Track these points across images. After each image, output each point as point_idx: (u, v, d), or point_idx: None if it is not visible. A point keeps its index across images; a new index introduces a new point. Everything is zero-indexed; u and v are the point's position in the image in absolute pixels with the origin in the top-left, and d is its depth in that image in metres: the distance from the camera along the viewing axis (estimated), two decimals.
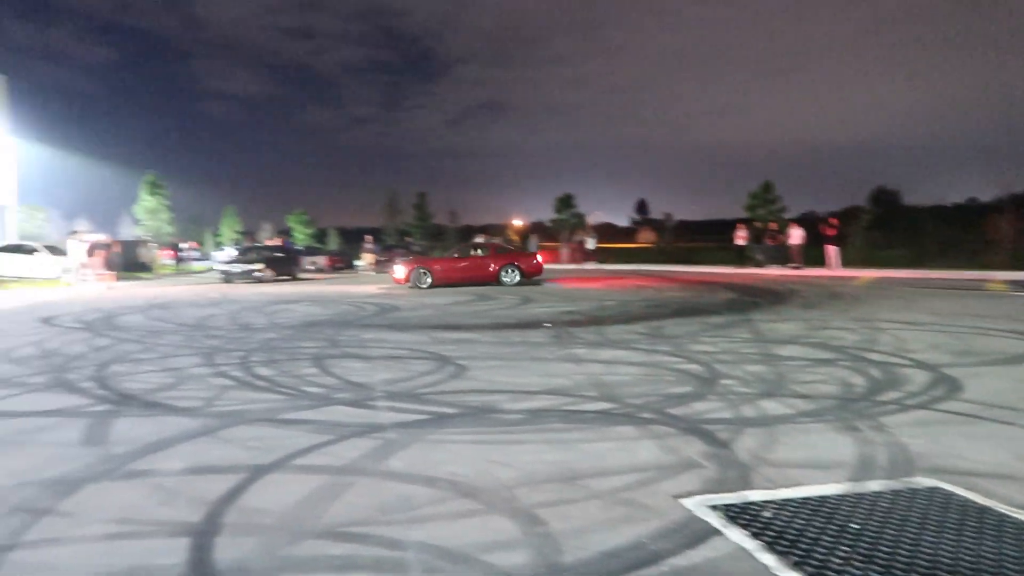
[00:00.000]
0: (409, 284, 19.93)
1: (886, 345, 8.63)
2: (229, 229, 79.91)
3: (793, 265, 26.40)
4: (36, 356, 8.70)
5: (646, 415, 5.53)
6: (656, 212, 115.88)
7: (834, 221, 26.15)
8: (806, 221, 34.77)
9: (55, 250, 26.50)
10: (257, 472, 4.24)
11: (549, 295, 17.21)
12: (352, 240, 62.31)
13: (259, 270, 25.87)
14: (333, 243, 67.17)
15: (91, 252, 23.62)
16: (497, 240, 34.13)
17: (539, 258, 21.79)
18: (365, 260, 33.69)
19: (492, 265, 20.63)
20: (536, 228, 58.01)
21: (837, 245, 25.12)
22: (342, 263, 37.23)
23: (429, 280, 20.04)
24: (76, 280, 22.49)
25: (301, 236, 64.38)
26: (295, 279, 27.14)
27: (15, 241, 31.13)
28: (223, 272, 26.58)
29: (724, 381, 6.74)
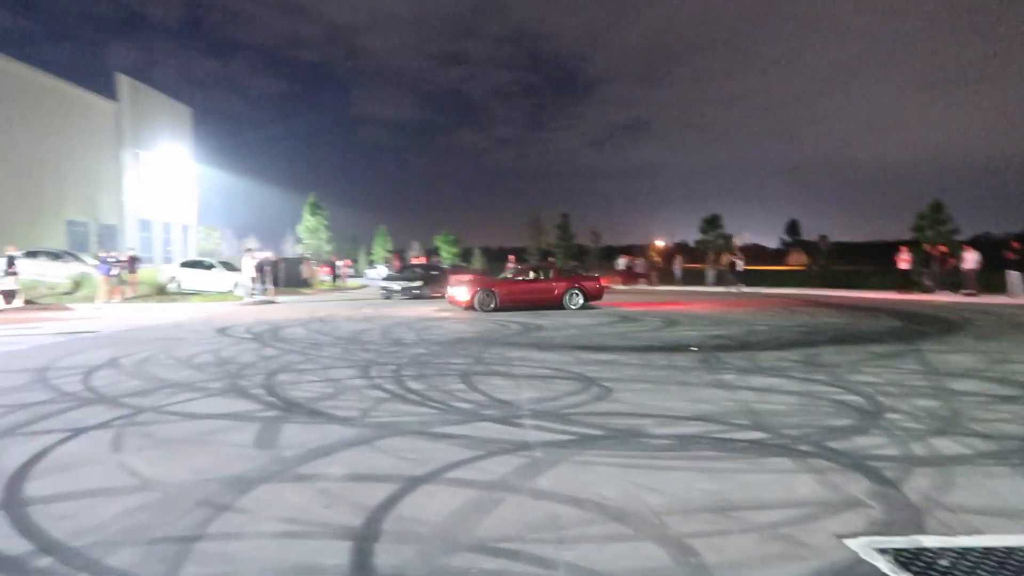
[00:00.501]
0: (473, 306, 18.99)
1: None
2: (381, 248, 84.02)
3: (966, 292, 24.25)
4: (213, 363, 9.50)
5: (803, 447, 5.26)
6: (809, 233, 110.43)
7: (1016, 245, 23.81)
8: (981, 244, 31.85)
9: (229, 266, 28.88)
10: (412, 483, 4.41)
11: (696, 319, 16.77)
12: (494, 260, 63.74)
13: (418, 288, 26.23)
14: (477, 262, 68.90)
15: (260, 268, 25.54)
16: (636, 260, 33.78)
17: (601, 282, 21.13)
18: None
19: (556, 288, 19.69)
20: (680, 249, 56.85)
21: (1020, 270, 22.85)
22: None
23: (494, 303, 19.07)
24: (246, 294, 24.39)
25: (447, 255, 66.55)
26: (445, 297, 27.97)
27: (194, 257, 34.35)
28: (383, 288, 27.25)
29: (890, 415, 6.29)
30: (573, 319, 16.63)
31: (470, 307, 19.05)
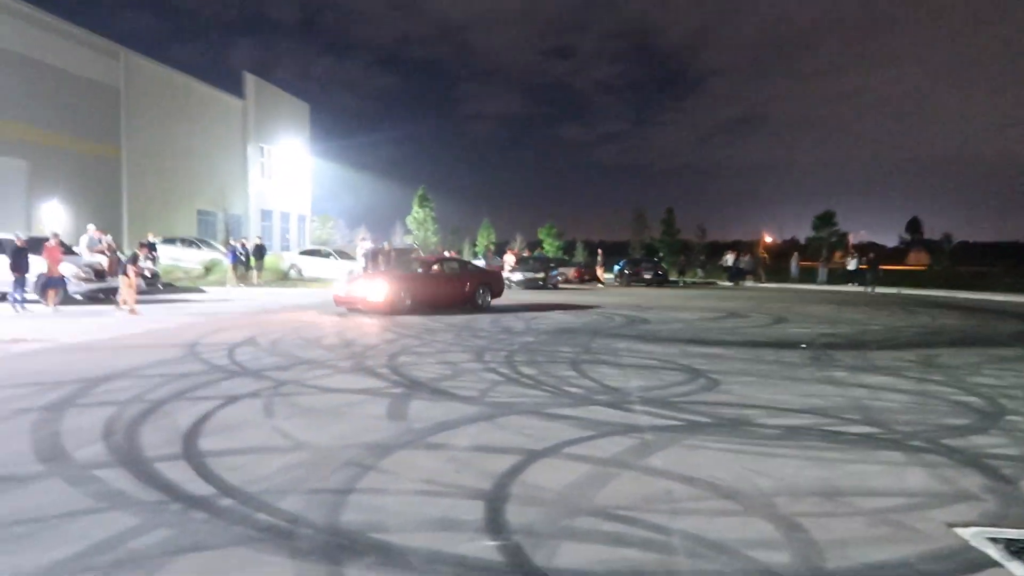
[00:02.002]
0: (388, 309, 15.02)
1: None
2: (484, 239, 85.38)
3: None
4: (339, 344, 10.22)
5: (916, 443, 5.29)
6: (931, 232, 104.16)
7: None
8: None
9: (343, 254, 30.30)
10: (532, 455, 4.78)
11: (807, 317, 16.46)
12: (595, 254, 63.48)
13: (541, 279, 28.17)
14: (579, 256, 69.00)
15: (373, 256, 26.69)
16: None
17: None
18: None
19: (467, 285, 16.96)
20: (791, 246, 55.04)
21: None
22: (588, 275, 38.30)
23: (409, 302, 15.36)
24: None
25: (550, 248, 66.96)
26: (555, 288, 28.79)
27: (310, 246, 36.20)
28: (506, 279, 28.05)
29: (1011, 417, 6.18)
30: (679, 314, 16.65)
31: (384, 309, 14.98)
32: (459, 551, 3.23)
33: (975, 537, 3.52)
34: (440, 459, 4.71)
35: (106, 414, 5.71)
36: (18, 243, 14.55)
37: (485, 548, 3.27)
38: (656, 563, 3.16)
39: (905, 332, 13.29)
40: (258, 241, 27.15)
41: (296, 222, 48.16)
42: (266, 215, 43.47)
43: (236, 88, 41.21)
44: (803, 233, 56.30)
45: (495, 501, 3.90)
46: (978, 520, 3.77)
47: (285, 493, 3.96)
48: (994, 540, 3.49)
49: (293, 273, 28.32)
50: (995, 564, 3.22)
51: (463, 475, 4.36)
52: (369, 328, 12.40)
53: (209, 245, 29.13)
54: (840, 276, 33.68)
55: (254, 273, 25.27)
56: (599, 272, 36.20)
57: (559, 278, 32.23)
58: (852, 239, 47.82)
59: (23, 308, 14.05)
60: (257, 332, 11.37)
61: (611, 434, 5.40)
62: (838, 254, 44.32)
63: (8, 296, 14.58)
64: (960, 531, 3.61)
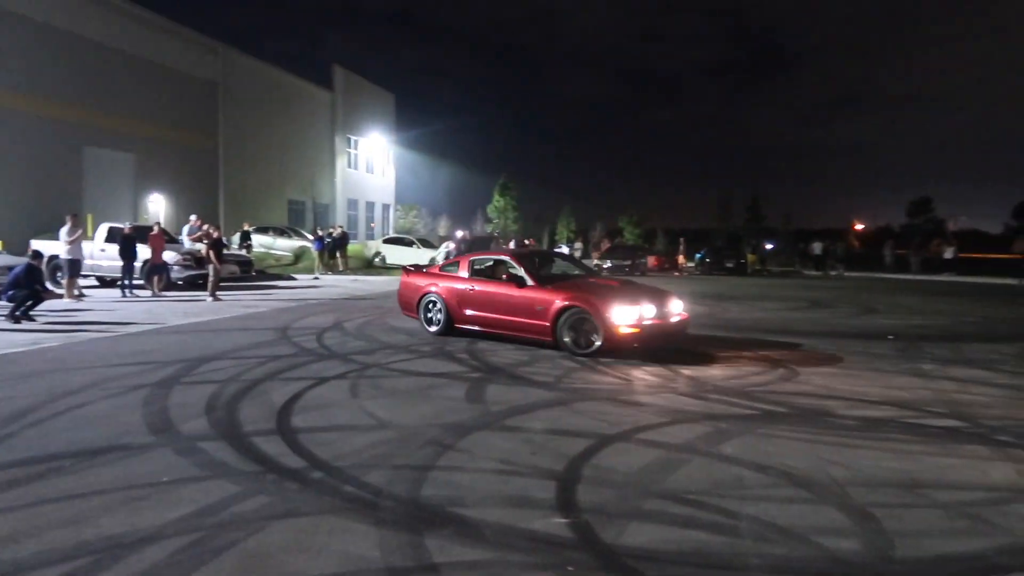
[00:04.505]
0: None
1: None
2: (565, 228, 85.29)
3: None
4: (420, 330, 10.54)
5: (1003, 438, 5.15)
6: None
7: None
8: None
9: (426, 243, 30.96)
10: (605, 440, 4.91)
11: (897, 307, 15.87)
12: (675, 242, 62.53)
13: (628, 266, 30.11)
14: (660, 244, 68.05)
15: (457, 246, 27.18)
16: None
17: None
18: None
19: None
20: (885, 233, 52.80)
21: None
22: (668, 264, 37.86)
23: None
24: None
25: (630, 236, 66.36)
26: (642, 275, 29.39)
27: (393, 234, 37.10)
28: (597, 265, 30.45)
29: None
30: (762, 303, 16.34)
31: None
32: (531, 527, 3.40)
33: None
34: (515, 441, 4.89)
35: (208, 391, 6.16)
36: (126, 231, 15.57)
37: (556, 525, 3.43)
38: (722, 544, 3.24)
39: (1004, 323, 12.68)
40: (343, 229, 28.04)
41: (380, 211, 49.40)
42: (352, 204, 44.79)
43: (326, 80, 42.55)
44: (898, 220, 53.88)
45: (567, 482, 4.05)
46: None
47: (370, 468, 4.23)
48: None
49: (378, 261, 29.14)
50: None
51: (537, 456, 4.53)
52: None
53: (299, 234, 30.32)
54: (935, 265, 32.11)
55: (339, 261, 26.14)
56: (681, 260, 35.84)
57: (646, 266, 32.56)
58: (951, 226, 45.37)
59: (131, 293, 15.05)
60: (343, 317, 11.85)
61: (685, 421, 5.46)
62: (936, 241, 42.24)
63: (117, 282, 15.65)
64: None
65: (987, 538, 3.39)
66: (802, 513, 3.67)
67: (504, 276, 9.42)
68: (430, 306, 9.99)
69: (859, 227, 61.35)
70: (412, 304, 10.31)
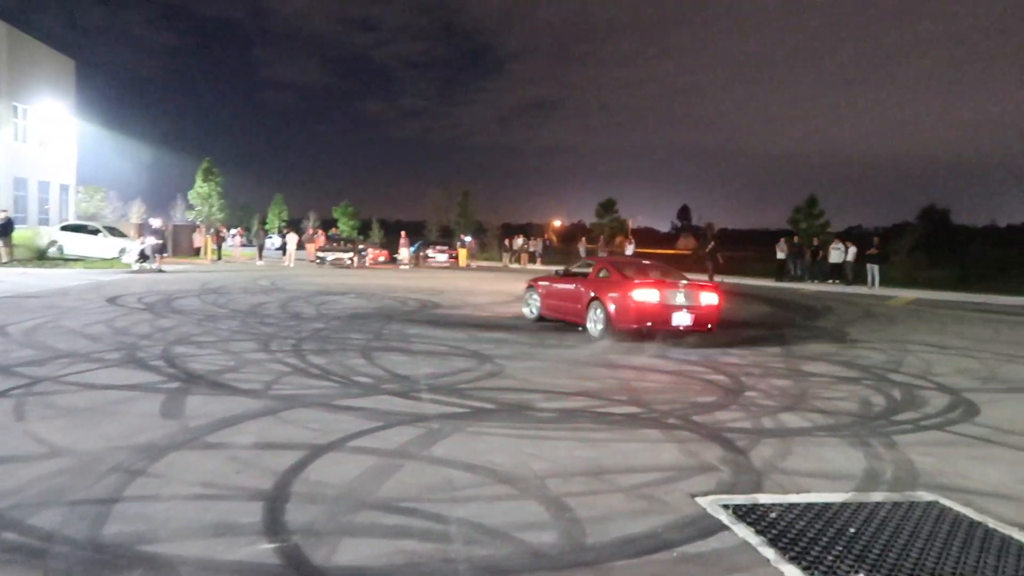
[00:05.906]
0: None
1: (912, 367, 8.88)
2: (276, 217, 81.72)
3: (832, 281, 26.41)
4: (108, 333, 9.39)
5: (672, 420, 5.94)
6: (700, 219, 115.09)
7: (877, 240, 26.05)
8: (852, 236, 34.46)
9: (115, 231, 27.65)
10: (317, 451, 4.75)
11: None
12: (392, 233, 63.18)
13: (349, 258, 30.68)
14: (376, 235, 68.10)
15: (151, 235, 24.59)
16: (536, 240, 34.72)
17: None
18: (402, 255, 35.38)
19: None
20: (577, 230, 58.19)
21: (878, 263, 25.02)
22: (388, 256, 38.06)
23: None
24: (134, 261, 23.45)
25: (345, 228, 65.58)
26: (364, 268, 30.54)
27: (76, 220, 32.59)
28: (318, 258, 31.45)
29: (748, 393, 7.11)
30: (470, 298, 17.06)
31: None
32: (235, 557, 3.17)
33: (711, 505, 4.05)
34: (218, 459, 4.53)
35: None
36: None
37: (263, 552, 3.23)
38: (433, 552, 3.31)
39: None
40: (5, 213, 23.95)
41: (58, 192, 43.01)
42: (20, 183, 38.31)
43: None
44: (590, 218, 59.83)
45: (276, 501, 3.85)
46: (715, 489, 4.33)
47: (39, 507, 3.63)
48: (725, 507, 4.04)
49: (53, 251, 25.40)
50: (725, 528, 3.73)
51: (243, 475, 4.24)
52: (144, 316, 11.49)
53: None
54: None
55: (2, 251, 22.33)
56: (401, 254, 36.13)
57: (368, 259, 32.75)
58: (631, 224, 51.63)
59: None
60: (6, 320, 10.12)
61: (398, 424, 5.50)
62: (619, 239, 47.62)
63: None
64: (700, 500, 4.13)
65: (659, 516, 3.87)
66: (507, 510, 3.88)
67: None
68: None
69: (557, 224, 67.07)
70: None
